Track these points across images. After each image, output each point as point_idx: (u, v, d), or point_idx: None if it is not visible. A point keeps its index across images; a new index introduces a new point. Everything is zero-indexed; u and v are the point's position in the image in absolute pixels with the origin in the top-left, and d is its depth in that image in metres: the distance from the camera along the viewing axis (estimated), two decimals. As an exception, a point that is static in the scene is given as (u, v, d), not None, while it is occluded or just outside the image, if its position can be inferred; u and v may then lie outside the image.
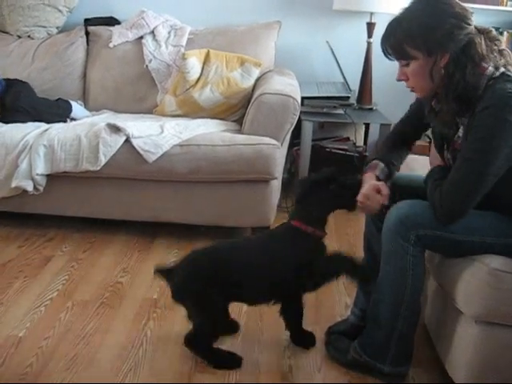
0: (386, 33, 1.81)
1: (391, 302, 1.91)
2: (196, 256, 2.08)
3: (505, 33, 3.54)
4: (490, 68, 1.73)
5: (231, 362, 2.08)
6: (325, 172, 2.06)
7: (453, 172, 1.77)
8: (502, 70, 1.74)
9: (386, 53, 1.84)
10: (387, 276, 1.92)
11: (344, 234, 3.22)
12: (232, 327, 2.19)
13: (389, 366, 1.96)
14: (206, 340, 2.05)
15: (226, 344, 2.16)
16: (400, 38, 1.77)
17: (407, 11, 1.78)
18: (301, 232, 2.04)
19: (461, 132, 1.83)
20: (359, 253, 2.98)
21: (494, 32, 1.80)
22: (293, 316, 2.18)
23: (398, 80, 1.86)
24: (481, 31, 1.77)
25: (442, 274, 1.94)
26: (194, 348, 2.06)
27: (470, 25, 1.74)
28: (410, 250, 1.83)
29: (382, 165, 2.04)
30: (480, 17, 3.54)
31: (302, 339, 2.21)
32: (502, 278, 1.72)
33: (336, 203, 2.07)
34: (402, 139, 2.14)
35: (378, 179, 2.00)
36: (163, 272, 2.09)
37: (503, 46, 1.80)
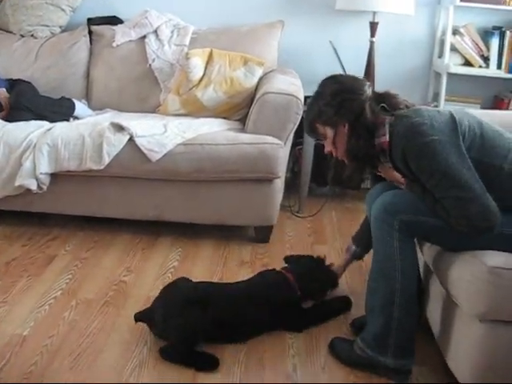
0: (304, 122, 2.16)
1: (384, 289, 1.97)
2: (170, 289, 2.23)
3: (508, 32, 3.53)
4: (387, 117, 1.95)
5: (208, 363, 2.06)
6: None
7: (452, 211, 1.80)
8: (394, 113, 1.96)
9: (311, 135, 2.21)
10: (378, 263, 2.02)
11: (348, 235, 3.21)
12: (210, 362, 2.08)
13: (391, 358, 1.98)
14: (184, 353, 2.08)
15: (229, 343, 2.18)
16: (312, 121, 2.07)
17: (311, 99, 2.08)
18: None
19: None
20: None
21: (392, 91, 2.05)
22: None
23: (327, 152, 2.11)
24: (377, 95, 2.01)
25: (442, 274, 1.94)
26: (172, 359, 2.08)
27: (362, 94, 1.98)
28: (396, 236, 1.92)
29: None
30: (483, 16, 3.64)
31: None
32: (503, 275, 1.72)
33: None
34: None
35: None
36: (143, 316, 2.20)
37: (402, 99, 2.03)
